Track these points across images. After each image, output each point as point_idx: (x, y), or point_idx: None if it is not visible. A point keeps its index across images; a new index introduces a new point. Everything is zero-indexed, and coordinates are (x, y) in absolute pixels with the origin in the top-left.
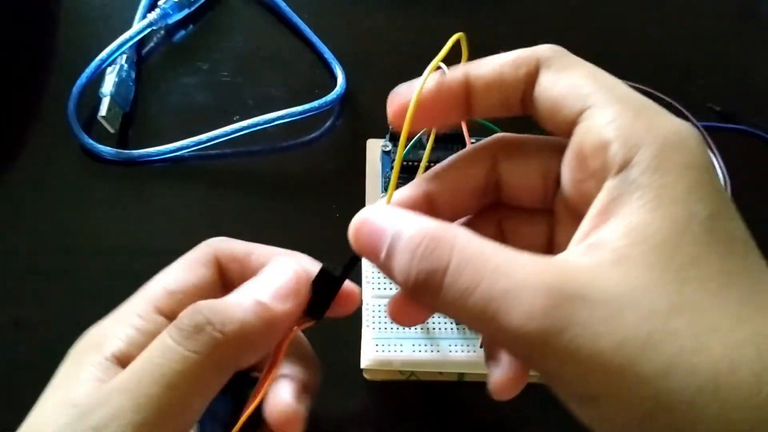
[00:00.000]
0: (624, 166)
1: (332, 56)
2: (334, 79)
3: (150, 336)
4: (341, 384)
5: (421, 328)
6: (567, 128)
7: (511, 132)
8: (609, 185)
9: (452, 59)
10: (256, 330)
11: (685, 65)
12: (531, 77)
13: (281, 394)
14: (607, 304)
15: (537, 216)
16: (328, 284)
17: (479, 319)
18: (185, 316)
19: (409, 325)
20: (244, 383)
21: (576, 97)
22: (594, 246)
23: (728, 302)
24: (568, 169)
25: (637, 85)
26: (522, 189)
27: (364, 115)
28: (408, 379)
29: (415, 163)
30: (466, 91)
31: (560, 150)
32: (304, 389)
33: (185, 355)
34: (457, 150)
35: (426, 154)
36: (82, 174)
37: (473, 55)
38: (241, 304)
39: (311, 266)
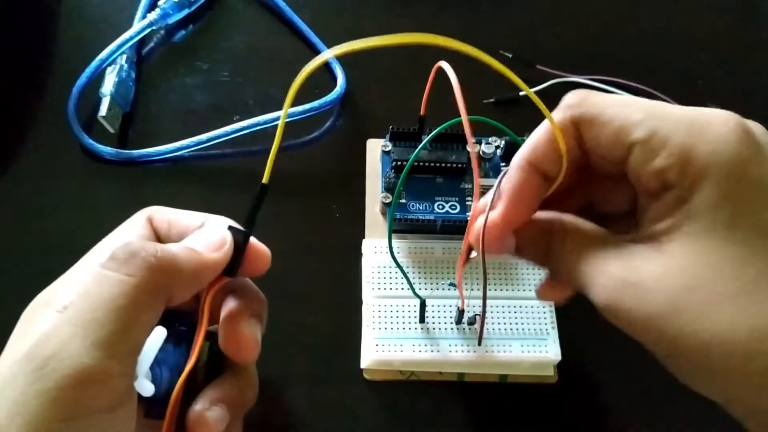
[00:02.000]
0: (683, 199)
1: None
2: (334, 79)
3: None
4: (341, 384)
5: (422, 329)
6: (621, 167)
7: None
8: (666, 197)
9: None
10: (186, 265)
11: (685, 65)
12: (576, 139)
13: (232, 326)
14: (646, 286)
15: (622, 182)
16: (240, 242)
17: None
18: (118, 248)
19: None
20: (192, 336)
21: (621, 141)
22: (650, 243)
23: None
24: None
25: (636, 85)
26: (604, 163)
27: (364, 115)
28: (408, 378)
29: (417, 164)
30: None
31: None
32: (253, 316)
33: (121, 279)
34: (457, 149)
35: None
36: (82, 174)
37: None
38: (175, 245)
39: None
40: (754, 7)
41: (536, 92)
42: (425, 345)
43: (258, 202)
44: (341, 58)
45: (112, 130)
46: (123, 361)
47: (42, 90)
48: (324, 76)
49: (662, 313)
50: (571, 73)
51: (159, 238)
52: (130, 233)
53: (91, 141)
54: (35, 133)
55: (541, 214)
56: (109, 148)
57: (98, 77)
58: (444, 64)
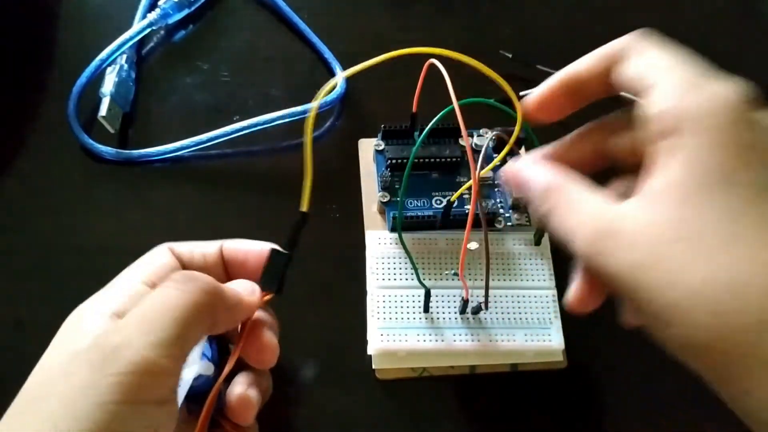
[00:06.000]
0: (672, 133)
1: (332, 56)
2: None
3: (143, 297)
4: (353, 384)
5: (426, 318)
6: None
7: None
8: (662, 146)
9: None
10: (230, 296)
11: None
12: (609, 69)
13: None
14: (627, 236)
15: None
16: (279, 261)
17: (563, 240)
18: (178, 273)
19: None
20: (226, 350)
21: (641, 79)
22: (639, 195)
23: (726, 236)
24: (638, 135)
25: None
26: (620, 155)
27: (363, 115)
28: (420, 375)
29: (405, 161)
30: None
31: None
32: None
33: (181, 295)
34: (449, 143)
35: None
36: (82, 174)
37: (473, 55)
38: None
39: (257, 247)
40: (754, 6)
41: None
42: (429, 335)
43: (298, 228)
44: (341, 59)
45: (112, 130)
46: (175, 362)
47: (42, 90)
48: (324, 77)
49: (639, 264)
50: None
51: (183, 263)
52: (161, 258)
53: (91, 141)
54: (35, 133)
55: (545, 171)
56: (109, 148)
57: (98, 77)
58: (434, 61)
